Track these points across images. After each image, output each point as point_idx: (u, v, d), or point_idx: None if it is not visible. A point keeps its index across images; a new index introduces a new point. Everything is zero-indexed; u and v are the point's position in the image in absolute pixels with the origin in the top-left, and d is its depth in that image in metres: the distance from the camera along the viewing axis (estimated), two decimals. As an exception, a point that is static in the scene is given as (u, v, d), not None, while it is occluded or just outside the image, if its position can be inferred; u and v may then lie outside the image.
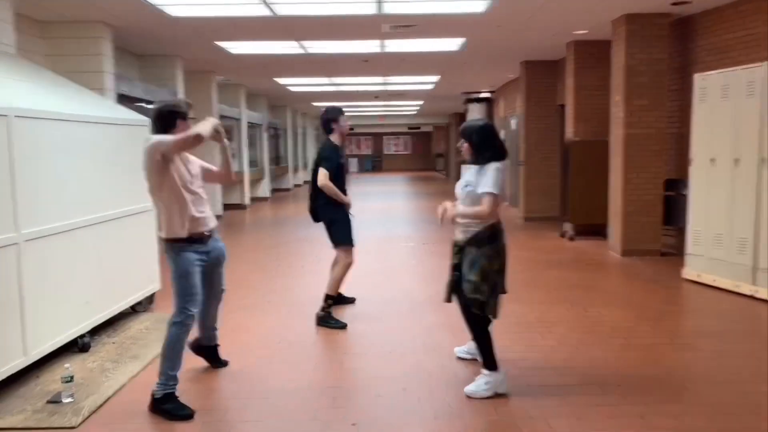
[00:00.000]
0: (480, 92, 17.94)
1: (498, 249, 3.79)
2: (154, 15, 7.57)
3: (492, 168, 3.74)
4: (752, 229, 5.97)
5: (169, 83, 10.70)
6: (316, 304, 5.47)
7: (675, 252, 8.11)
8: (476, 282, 3.72)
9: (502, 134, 16.04)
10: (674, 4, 7.44)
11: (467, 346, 4.41)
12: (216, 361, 4.32)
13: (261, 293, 6.61)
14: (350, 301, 6.08)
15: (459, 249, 3.86)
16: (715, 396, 3.79)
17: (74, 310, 4.48)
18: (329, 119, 5.47)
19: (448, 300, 3.97)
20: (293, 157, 24.04)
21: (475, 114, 18.76)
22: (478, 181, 3.77)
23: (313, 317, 5.42)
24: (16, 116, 3.81)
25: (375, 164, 37.94)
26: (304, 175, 25.19)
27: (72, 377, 3.78)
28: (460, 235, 3.89)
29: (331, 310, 5.40)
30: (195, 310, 3.79)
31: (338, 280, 5.44)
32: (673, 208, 8.14)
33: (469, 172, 3.90)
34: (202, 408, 3.68)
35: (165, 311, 3.80)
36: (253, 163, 17.50)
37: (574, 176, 9.66)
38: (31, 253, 3.94)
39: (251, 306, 6.03)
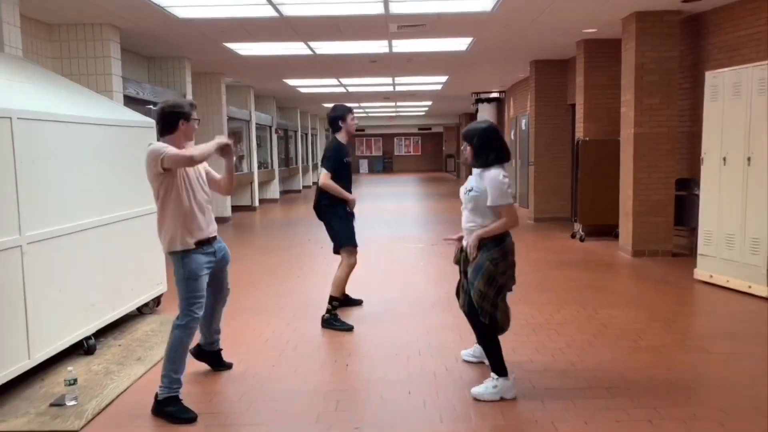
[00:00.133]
0: (490, 92, 17.86)
1: (504, 251, 3.73)
2: (161, 17, 7.59)
3: (497, 177, 3.66)
4: (765, 230, 5.87)
5: (178, 85, 10.74)
6: (324, 306, 5.44)
7: (687, 253, 8.01)
8: (481, 289, 3.66)
9: (512, 134, 16.03)
10: (684, 1, 7.35)
11: (473, 350, 4.36)
12: (220, 365, 4.29)
13: (268, 295, 6.59)
14: (357, 303, 6.04)
15: (465, 254, 3.81)
16: (727, 400, 3.71)
17: (79, 312, 4.48)
18: (336, 117, 5.45)
19: (463, 307, 3.94)
20: (303, 158, 24.07)
21: (485, 114, 18.70)
22: (481, 186, 3.69)
23: (320, 319, 5.38)
24: (18, 118, 3.81)
25: (386, 165, 37.91)
26: (314, 177, 25.21)
27: (75, 380, 3.77)
28: (465, 240, 3.84)
29: (337, 312, 5.36)
30: (200, 313, 3.76)
31: (342, 281, 5.40)
32: (684, 208, 8.04)
33: (472, 176, 3.83)
34: (206, 411, 3.66)
35: (171, 313, 3.78)
36: (263, 164, 17.52)
37: (584, 176, 9.58)
38: (34, 256, 3.94)
39: (258, 308, 6.01)
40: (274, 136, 18.43)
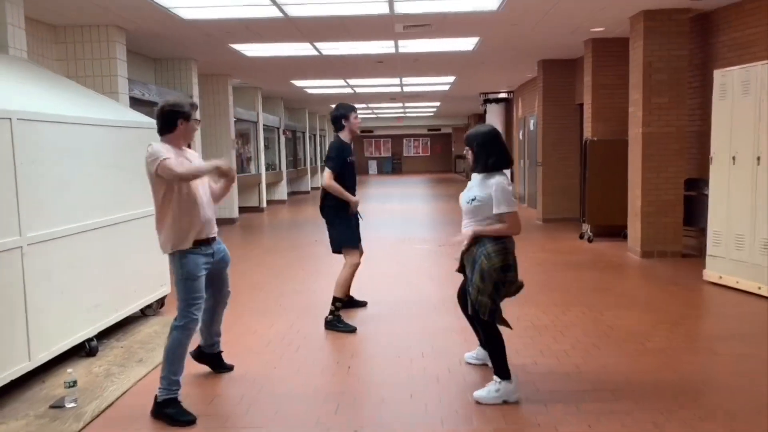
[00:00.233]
0: (498, 93, 17.79)
1: (502, 247, 3.64)
2: (166, 18, 7.59)
3: (503, 184, 3.61)
4: (775, 230, 5.79)
5: (185, 86, 10.75)
6: (328, 307, 5.40)
7: (696, 253, 7.91)
8: (478, 284, 3.62)
9: (520, 134, 15.95)
10: (693, -2, 7.28)
11: (476, 352, 4.31)
12: (220, 367, 4.27)
13: (272, 296, 6.56)
14: (362, 304, 6.00)
15: (464, 253, 3.78)
16: (734, 403, 3.64)
17: (81, 314, 4.47)
18: (339, 116, 5.40)
19: (465, 309, 3.89)
20: (311, 159, 24.07)
21: (493, 114, 18.64)
22: (484, 194, 3.63)
23: (323, 320, 5.35)
24: (18, 119, 3.80)
25: (395, 166, 37.84)
26: (322, 178, 25.16)
27: (75, 382, 3.75)
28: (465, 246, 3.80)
29: (340, 314, 5.32)
30: (199, 314, 3.74)
31: (345, 283, 5.36)
32: (694, 208, 7.94)
33: (473, 182, 3.76)
34: (205, 413, 3.63)
35: (175, 315, 3.77)
36: (270, 165, 17.53)
37: (592, 176, 9.49)
38: (35, 257, 3.93)
39: (261, 309, 5.99)
40: (282, 138, 18.45)
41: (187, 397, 3.72)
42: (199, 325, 4.07)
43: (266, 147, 16.59)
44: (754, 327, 5.12)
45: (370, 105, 21.94)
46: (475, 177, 3.75)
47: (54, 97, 4.84)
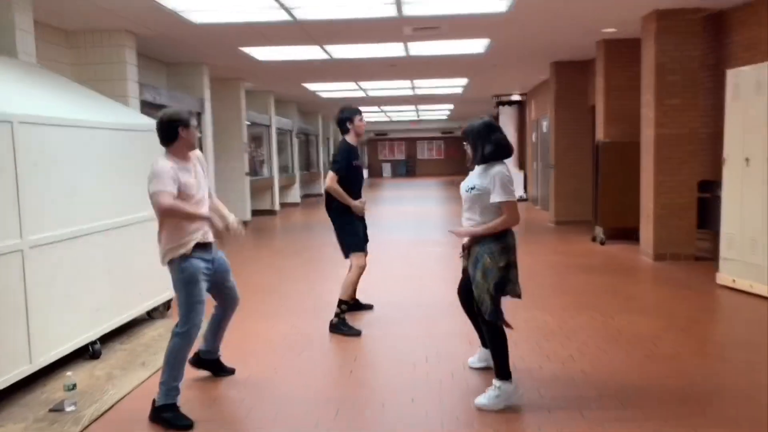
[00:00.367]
0: (511, 95, 17.68)
1: (504, 245, 3.62)
2: (176, 22, 7.62)
3: (502, 172, 3.59)
4: (790, 233, 5.66)
5: (197, 90, 10.80)
6: (334, 309, 5.34)
7: (710, 256, 7.76)
8: (480, 281, 3.58)
9: (533, 137, 15.83)
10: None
11: (478, 355, 4.25)
12: (221, 371, 4.24)
13: (279, 298, 6.54)
14: (368, 307, 5.96)
15: (466, 250, 3.74)
16: (744, 411, 3.55)
17: (84, 317, 4.47)
18: (344, 118, 5.40)
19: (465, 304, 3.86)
20: (325, 162, 24.09)
21: (506, 117, 18.55)
22: (484, 183, 3.62)
23: (328, 323, 5.31)
24: (20, 122, 3.81)
25: (409, 169, 37.79)
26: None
27: (74, 385, 3.75)
28: (466, 238, 3.76)
29: (345, 316, 5.28)
30: (200, 320, 3.71)
31: (351, 285, 5.32)
32: (707, 211, 7.81)
33: (473, 173, 3.76)
34: (204, 418, 3.60)
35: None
36: (284, 168, 17.58)
37: (604, 179, 9.39)
38: (36, 260, 3.93)
39: (267, 312, 5.97)
40: (295, 141, 18.49)
41: (187, 401, 3.70)
42: (203, 331, 4.08)
43: (279, 150, 16.63)
44: (766, 333, 5.00)
45: (383, 108, 21.92)
46: (477, 169, 3.73)
47: (59, 101, 4.86)
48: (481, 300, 3.61)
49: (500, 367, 3.67)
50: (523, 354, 4.50)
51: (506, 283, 3.63)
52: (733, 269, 6.30)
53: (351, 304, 5.74)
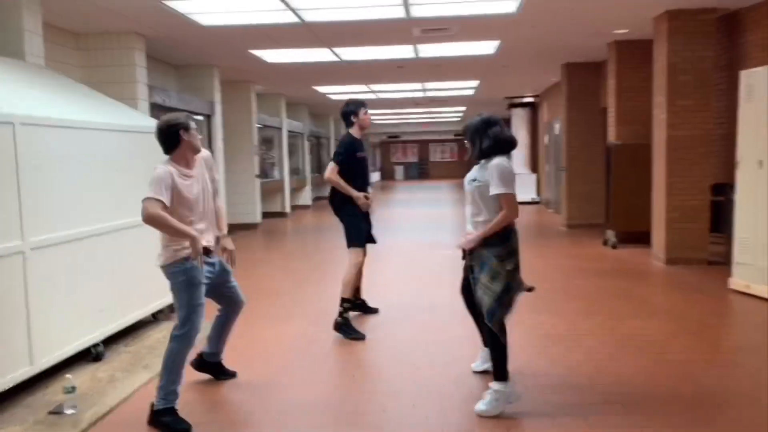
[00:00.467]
0: (523, 97, 17.58)
1: (511, 249, 3.60)
2: (184, 25, 7.62)
3: (501, 163, 3.57)
4: (804, 236, 5.53)
5: (207, 93, 10.82)
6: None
7: (723, 261, 7.62)
8: (486, 284, 3.54)
9: (546, 139, 15.70)
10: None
11: (481, 358, 4.18)
12: (222, 375, 4.21)
13: (287, 301, 6.50)
14: (374, 311, 5.90)
15: (471, 251, 3.69)
16: (754, 418, 3.46)
17: (86, 319, 4.46)
18: (349, 112, 5.37)
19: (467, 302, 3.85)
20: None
21: (519, 119, 18.44)
22: (484, 176, 3.60)
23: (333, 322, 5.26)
24: (21, 123, 3.81)
25: (421, 171, 37.74)
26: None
27: (74, 387, 3.73)
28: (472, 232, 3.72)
29: (350, 319, 5.23)
30: (200, 323, 3.67)
31: (350, 282, 5.27)
32: (721, 214, 7.67)
33: (476, 166, 3.75)
34: (203, 421, 3.57)
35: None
36: (295, 171, 17.58)
37: (616, 181, 9.27)
38: (37, 262, 3.92)
39: (274, 315, 5.93)
40: (306, 143, 18.49)
41: (187, 404, 3.67)
42: (208, 333, 4.05)
43: (290, 153, 16.63)
44: (781, 338, 4.89)
45: (395, 110, 21.87)
46: (481, 164, 3.72)
47: (63, 103, 4.86)
48: (483, 299, 3.57)
49: (498, 368, 3.63)
50: (530, 359, 4.43)
51: (513, 287, 3.59)
52: (747, 274, 6.18)
53: (357, 304, 5.73)
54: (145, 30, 7.93)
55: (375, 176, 34.53)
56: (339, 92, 15.37)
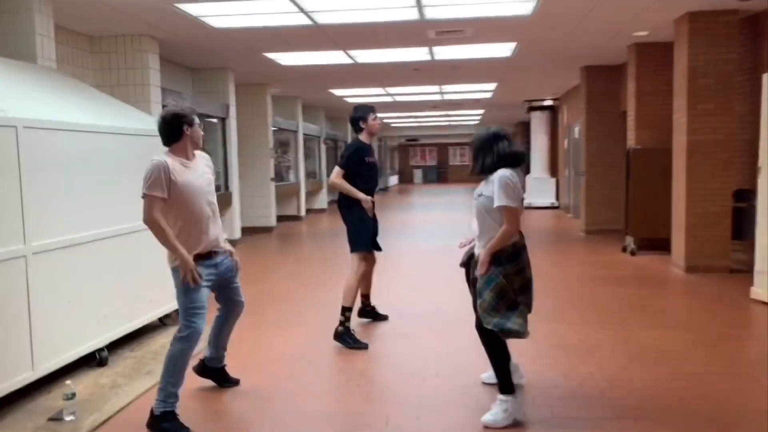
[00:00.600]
0: (543, 100, 17.38)
1: (520, 267, 3.49)
2: (198, 27, 7.61)
3: (504, 175, 3.45)
4: (830, 245, 5.33)
5: (222, 96, 10.82)
6: (353, 319, 5.22)
7: (746, 269, 7.40)
8: (490, 302, 3.42)
9: (565, 143, 15.49)
10: (742, -1, 6.85)
11: (492, 371, 4.06)
12: (225, 381, 4.14)
13: (296, 308, 6.42)
14: (383, 317, 5.81)
15: (475, 261, 3.58)
16: (773, 437, 3.31)
17: (90, 323, 4.42)
18: (358, 118, 5.31)
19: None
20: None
21: (538, 123, 18.24)
22: (489, 190, 3.50)
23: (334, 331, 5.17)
24: (24, 127, 3.78)
25: (440, 175, 37.59)
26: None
27: (74, 394, 3.68)
28: (479, 250, 3.60)
29: (352, 327, 5.12)
30: (201, 325, 3.61)
31: (351, 290, 5.16)
32: (743, 221, 7.46)
33: (482, 182, 3.64)
34: (203, 429, 3.51)
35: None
36: (311, 174, 17.55)
37: (635, 187, 9.08)
38: (40, 266, 3.89)
39: (282, 321, 5.85)
40: (323, 147, 18.46)
41: (188, 411, 3.61)
42: (208, 336, 3.99)
43: (306, 156, 16.60)
44: (804, 351, 4.71)
45: (413, 113, 21.78)
46: (486, 179, 3.61)
47: (71, 106, 4.84)
48: (485, 315, 3.47)
49: (502, 381, 3.53)
50: (540, 370, 4.30)
51: (523, 306, 3.48)
52: (769, 283, 5.99)
53: (367, 311, 5.65)
54: (158, 33, 7.93)
55: (393, 180, 34.45)
56: (355, 95, 15.32)
